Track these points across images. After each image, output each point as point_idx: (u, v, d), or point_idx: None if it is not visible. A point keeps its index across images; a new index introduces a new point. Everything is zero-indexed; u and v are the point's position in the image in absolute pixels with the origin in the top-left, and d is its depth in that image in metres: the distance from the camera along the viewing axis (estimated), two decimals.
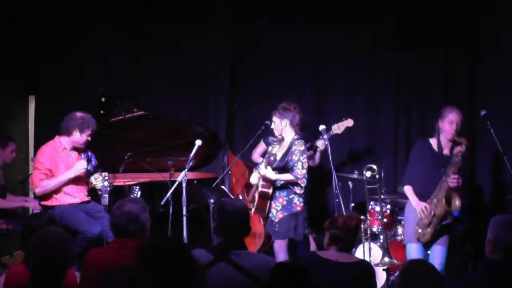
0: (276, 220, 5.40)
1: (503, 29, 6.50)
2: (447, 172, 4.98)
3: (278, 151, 5.45)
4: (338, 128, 6.18)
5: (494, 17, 6.56)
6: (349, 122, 6.22)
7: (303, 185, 5.41)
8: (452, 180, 4.93)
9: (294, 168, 5.39)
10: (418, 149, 5.33)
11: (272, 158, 5.27)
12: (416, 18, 6.80)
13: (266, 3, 7.11)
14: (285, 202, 5.42)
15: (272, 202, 5.46)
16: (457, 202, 4.93)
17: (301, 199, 5.44)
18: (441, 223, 5.05)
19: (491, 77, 6.58)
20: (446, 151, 5.12)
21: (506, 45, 6.48)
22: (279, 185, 5.44)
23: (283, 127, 5.52)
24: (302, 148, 5.43)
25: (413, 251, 5.13)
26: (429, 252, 5.22)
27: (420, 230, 5.05)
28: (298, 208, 5.42)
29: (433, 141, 5.22)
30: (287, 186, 5.44)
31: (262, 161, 5.73)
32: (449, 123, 5.08)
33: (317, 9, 6.98)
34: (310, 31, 7.05)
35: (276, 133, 5.60)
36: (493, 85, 6.56)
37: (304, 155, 5.43)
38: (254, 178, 5.66)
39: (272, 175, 5.35)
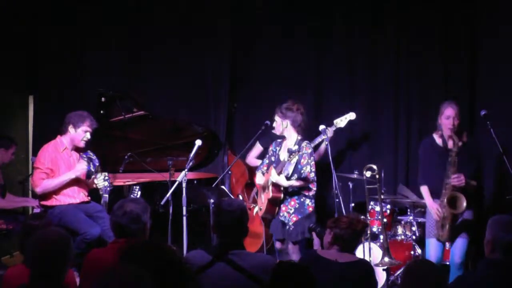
0: (291, 223, 5.39)
1: (503, 29, 6.50)
2: (447, 173, 5.00)
3: (283, 153, 5.43)
4: (341, 121, 6.21)
5: (494, 17, 6.56)
6: (352, 115, 6.27)
7: (314, 188, 5.43)
8: (453, 179, 4.95)
9: (303, 172, 5.36)
10: (424, 147, 5.41)
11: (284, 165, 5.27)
12: (416, 17, 6.80)
13: (266, 2, 7.11)
14: (297, 205, 5.41)
15: (283, 205, 5.44)
16: (463, 204, 4.93)
17: (312, 200, 5.46)
18: (455, 222, 5.06)
19: (491, 77, 6.57)
20: (450, 145, 5.15)
21: (507, 45, 6.47)
22: (290, 190, 5.43)
23: (284, 127, 5.48)
24: (310, 151, 5.41)
25: (432, 246, 5.17)
26: (447, 248, 5.29)
27: (440, 232, 5.08)
28: (311, 209, 5.43)
29: (437, 137, 5.27)
30: (298, 190, 5.43)
31: (262, 163, 5.72)
32: (446, 118, 5.18)
33: (317, 9, 6.98)
34: (310, 31, 7.05)
35: (277, 133, 5.58)
36: (493, 85, 6.55)
37: (312, 158, 5.42)
38: (259, 178, 5.62)
39: (285, 182, 5.35)
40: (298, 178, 5.36)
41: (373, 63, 6.97)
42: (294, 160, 5.23)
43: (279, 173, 5.34)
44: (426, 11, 6.77)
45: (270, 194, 5.42)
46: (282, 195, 5.41)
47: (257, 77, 7.21)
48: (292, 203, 5.42)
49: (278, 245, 5.61)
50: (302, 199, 5.42)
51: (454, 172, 4.98)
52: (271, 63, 7.14)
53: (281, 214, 5.44)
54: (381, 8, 6.90)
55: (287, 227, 5.41)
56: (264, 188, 5.55)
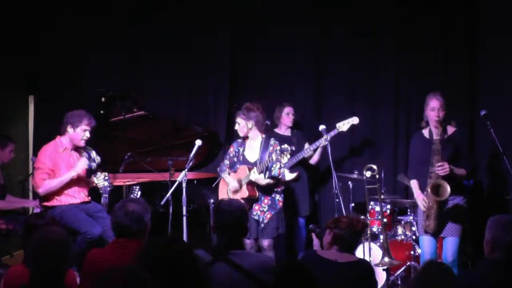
0: (265, 221, 5.46)
1: (503, 29, 6.50)
2: (432, 161, 5.01)
3: (249, 153, 5.54)
4: (343, 125, 6.22)
5: (494, 17, 6.56)
6: (354, 120, 6.27)
7: (283, 183, 5.56)
8: (438, 168, 4.95)
9: (273, 169, 5.43)
10: (413, 142, 5.43)
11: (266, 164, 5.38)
12: (416, 18, 6.80)
13: (266, 2, 7.11)
14: (270, 202, 5.51)
15: (257, 204, 5.51)
16: (447, 190, 4.93)
17: (282, 195, 5.56)
18: (441, 211, 5.06)
19: (491, 77, 6.58)
20: (435, 137, 5.16)
21: (507, 45, 6.47)
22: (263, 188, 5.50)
23: (248, 128, 5.56)
24: (278, 147, 5.47)
25: (425, 243, 5.17)
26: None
27: (426, 222, 5.10)
28: (281, 204, 5.54)
29: (425, 131, 5.29)
30: (269, 187, 5.50)
31: (223, 164, 5.76)
32: (431, 110, 5.18)
33: (317, 9, 6.98)
34: (310, 31, 7.06)
35: (241, 134, 5.65)
36: (493, 85, 6.55)
37: (280, 155, 5.45)
38: (233, 185, 5.60)
39: (263, 180, 5.43)
40: (269, 177, 5.44)
41: (373, 63, 6.98)
42: (285, 159, 5.37)
43: (261, 172, 5.42)
44: (426, 11, 6.77)
45: (246, 194, 5.49)
46: (257, 193, 5.50)
47: (257, 77, 7.22)
48: (266, 201, 5.51)
49: (249, 242, 5.56)
50: (273, 195, 5.52)
51: (438, 160, 4.99)
52: (271, 63, 7.15)
53: (254, 213, 5.48)
54: (381, 8, 6.90)
55: (262, 225, 5.46)
56: (237, 188, 5.58)
